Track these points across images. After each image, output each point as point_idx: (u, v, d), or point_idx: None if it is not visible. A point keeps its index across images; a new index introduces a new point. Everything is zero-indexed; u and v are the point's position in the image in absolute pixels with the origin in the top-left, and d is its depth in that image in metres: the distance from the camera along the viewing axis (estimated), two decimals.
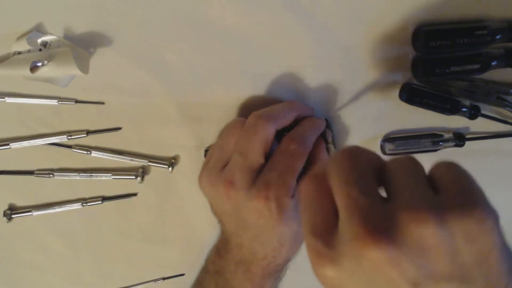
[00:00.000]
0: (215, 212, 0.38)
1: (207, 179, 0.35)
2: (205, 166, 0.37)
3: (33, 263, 0.47)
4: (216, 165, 0.35)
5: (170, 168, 0.42)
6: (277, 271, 0.37)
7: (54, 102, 0.39)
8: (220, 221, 0.38)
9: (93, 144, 0.42)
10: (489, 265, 0.21)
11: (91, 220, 0.45)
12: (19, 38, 0.37)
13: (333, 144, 0.41)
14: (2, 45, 0.37)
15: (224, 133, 0.38)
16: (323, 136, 0.39)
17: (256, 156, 0.34)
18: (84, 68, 0.37)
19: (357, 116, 0.41)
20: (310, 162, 0.36)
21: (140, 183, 0.43)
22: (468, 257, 0.20)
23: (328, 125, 0.40)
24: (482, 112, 0.41)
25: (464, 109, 0.40)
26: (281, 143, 0.35)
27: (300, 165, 0.34)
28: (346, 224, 0.21)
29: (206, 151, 0.41)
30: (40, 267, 0.47)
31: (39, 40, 0.37)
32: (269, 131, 0.34)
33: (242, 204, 0.34)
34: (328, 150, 0.39)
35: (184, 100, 0.40)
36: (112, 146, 0.42)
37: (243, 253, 0.36)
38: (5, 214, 0.43)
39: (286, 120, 0.36)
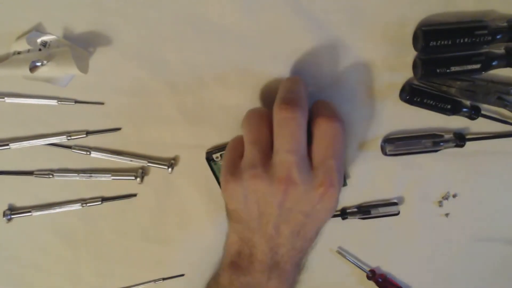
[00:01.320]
0: (244, 215, 0.35)
1: (251, 177, 0.33)
2: (236, 164, 0.35)
3: (33, 263, 0.47)
4: (259, 162, 0.34)
5: (169, 169, 0.42)
6: (304, 260, 0.38)
7: (54, 102, 0.39)
8: (247, 228, 0.36)
9: (92, 145, 0.41)
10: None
11: (90, 220, 0.45)
12: (19, 38, 0.36)
13: None
14: (1, 45, 0.37)
15: (253, 126, 0.35)
16: None
17: (304, 148, 0.34)
18: (84, 68, 0.37)
19: (357, 116, 0.41)
20: None
21: (139, 183, 0.43)
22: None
23: None
24: (483, 112, 0.40)
25: (464, 110, 0.40)
26: (320, 124, 0.34)
27: (344, 141, 0.35)
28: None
29: (208, 152, 0.41)
30: (40, 267, 0.47)
31: (39, 40, 0.36)
32: (305, 116, 0.34)
33: (303, 196, 0.33)
34: None
35: (184, 100, 0.40)
36: (112, 146, 0.42)
37: (278, 254, 0.35)
38: (4, 215, 0.43)
39: (307, 97, 0.36)
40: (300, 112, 0.33)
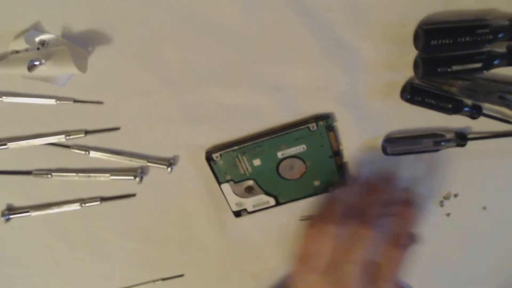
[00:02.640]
0: None
1: (315, 284, 0.36)
2: (304, 265, 0.37)
3: (32, 263, 0.47)
4: (322, 269, 0.36)
5: (169, 169, 0.42)
6: None
7: (52, 101, 0.39)
8: None
9: (91, 144, 0.41)
10: None
11: (89, 220, 0.45)
12: (17, 36, 0.36)
13: None
14: None
15: (319, 236, 0.38)
16: None
17: (368, 263, 0.36)
18: (82, 67, 0.37)
19: (358, 116, 0.41)
20: None
21: (139, 183, 0.42)
22: None
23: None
24: (484, 111, 0.40)
25: (466, 109, 0.40)
26: (390, 249, 0.37)
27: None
28: None
29: (208, 152, 0.41)
30: (39, 268, 0.47)
31: (37, 39, 0.36)
32: (375, 236, 0.36)
33: None
34: None
35: (184, 99, 0.40)
36: (111, 146, 0.42)
37: None
38: (3, 215, 0.43)
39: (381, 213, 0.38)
40: (372, 233, 0.36)
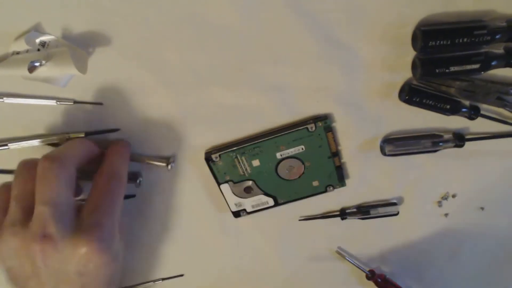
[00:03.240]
0: (20, 275, 0.32)
1: (11, 236, 0.31)
2: (1, 225, 0.32)
3: None
4: (20, 219, 0.31)
5: (169, 166, 0.42)
6: None
7: (53, 102, 0.39)
8: None
9: None
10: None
11: None
12: (17, 38, 0.36)
13: None
14: (0, 45, 0.37)
15: (20, 179, 0.33)
16: None
17: (65, 200, 0.31)
18: (83, 68, 0.37)
19: (356, 117, 0.41)
20: None
21: (139, 184, 0.43)
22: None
23: None
24: (482, 112, 0.40)
25: (464, 110, 0.40)
26: (94, 180, 0.35)
27: (120, 198, 0.35)
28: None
29: (207, 153, 0.41)
30: None
31: (38, 40, 0.36)
32: (69, 171, 0.33)
33: (67, 255, 0.31)
34: None
35: (184, 99, 0.40)
36: None
37: None
38: None
39: (83, 157, 0.36)
40: (64, 166, 0.32)
